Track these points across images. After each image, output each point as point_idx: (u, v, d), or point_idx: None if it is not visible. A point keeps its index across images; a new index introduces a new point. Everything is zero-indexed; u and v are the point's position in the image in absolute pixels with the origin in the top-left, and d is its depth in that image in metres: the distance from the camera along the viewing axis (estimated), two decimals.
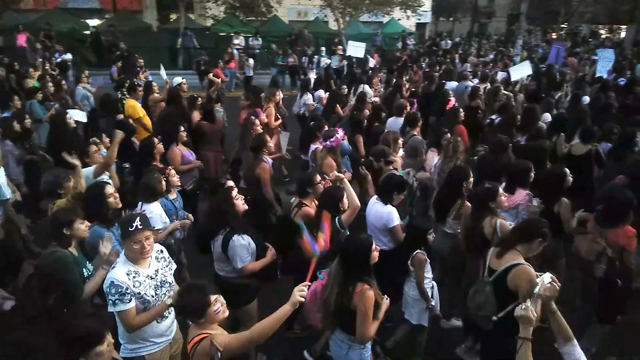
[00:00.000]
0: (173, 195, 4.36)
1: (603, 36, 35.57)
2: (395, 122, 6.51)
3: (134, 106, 7.02)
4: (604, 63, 10.78)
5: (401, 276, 3.89)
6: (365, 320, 2.87)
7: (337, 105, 7.79)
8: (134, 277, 2.80)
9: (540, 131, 6.22)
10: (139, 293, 2.78)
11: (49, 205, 3.92)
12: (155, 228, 3.63)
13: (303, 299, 2.57)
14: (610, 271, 3.73)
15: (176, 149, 5.49)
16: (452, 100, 7.61)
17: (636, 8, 30.44)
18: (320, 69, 14.73)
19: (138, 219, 2.76)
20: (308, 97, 8.61)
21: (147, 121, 7.00)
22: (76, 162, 4.29)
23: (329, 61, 12.81)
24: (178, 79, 8.28)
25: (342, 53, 16.81)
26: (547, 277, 2.58)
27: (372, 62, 13.01)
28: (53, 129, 6.09)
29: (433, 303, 3.83)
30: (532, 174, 4.41)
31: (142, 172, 4.30)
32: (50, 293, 3.04)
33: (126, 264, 2.82)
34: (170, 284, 3.02)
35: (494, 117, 7.41)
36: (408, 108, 6.71)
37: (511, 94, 8.61)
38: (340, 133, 5.22)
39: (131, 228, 2.71)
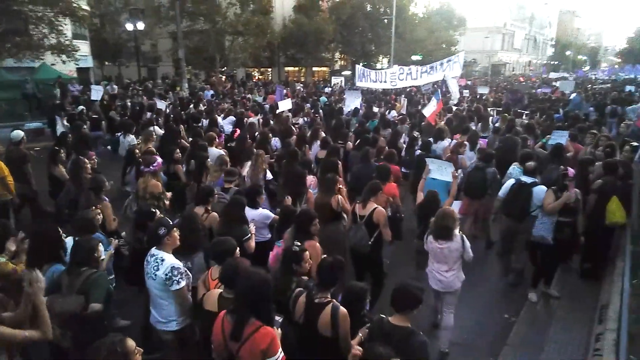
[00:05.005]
0: None
1: (256, 77, 43.69)
2: (211, 151, 7.70)
3: None
4: (352, 99, 14.75)
5: None
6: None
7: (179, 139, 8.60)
8: (178, 260, 3.66)
9: (301, 138, 8.91)
10: (186, 270, 3.65)
11: None
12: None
13: None
14: (393, 211, 6.47)
15: None
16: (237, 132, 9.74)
17: (274, 55, 39.30)
18: None
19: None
20: (131, 138, 9.15)
21: (10, 180, 6.37)
22: None
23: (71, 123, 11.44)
24: (20, 133, 7.06)
25: None
26: None
27: (161, 104, 12.96)
28: None
29: None
30: None
31: None
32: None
33: (168, 254, 3.63)
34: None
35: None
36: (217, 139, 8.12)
37: None
38: (159, 159, 6.32)
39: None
